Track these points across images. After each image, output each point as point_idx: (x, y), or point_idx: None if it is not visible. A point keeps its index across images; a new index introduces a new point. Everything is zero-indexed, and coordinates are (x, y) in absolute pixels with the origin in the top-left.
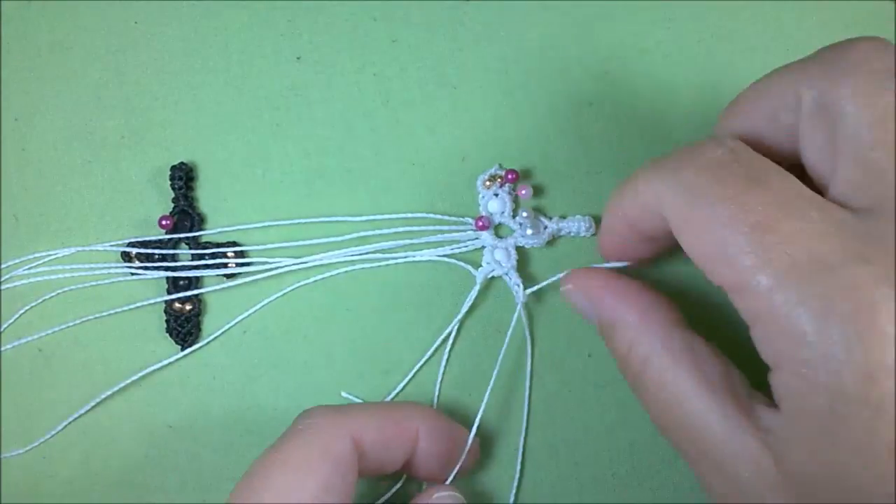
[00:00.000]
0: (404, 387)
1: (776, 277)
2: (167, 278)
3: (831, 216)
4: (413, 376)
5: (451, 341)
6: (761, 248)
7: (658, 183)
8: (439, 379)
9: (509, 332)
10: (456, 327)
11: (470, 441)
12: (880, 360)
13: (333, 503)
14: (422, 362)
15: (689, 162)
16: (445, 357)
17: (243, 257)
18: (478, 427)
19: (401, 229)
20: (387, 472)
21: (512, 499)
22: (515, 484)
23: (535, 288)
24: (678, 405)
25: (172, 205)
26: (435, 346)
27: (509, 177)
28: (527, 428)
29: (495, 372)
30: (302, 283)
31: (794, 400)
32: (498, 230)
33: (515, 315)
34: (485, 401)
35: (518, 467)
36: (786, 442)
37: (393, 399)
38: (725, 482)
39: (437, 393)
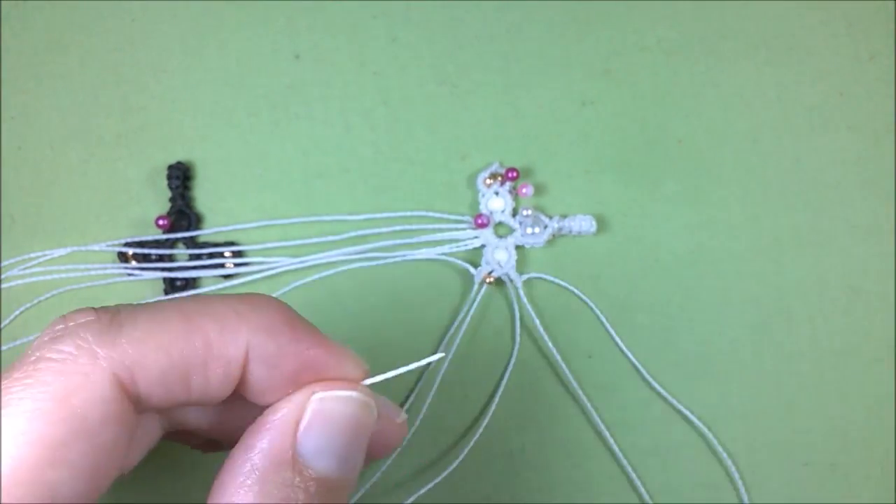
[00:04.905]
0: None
1: None
2: (164, 279)
3: None
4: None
5: (447, 341)
6: None
7: None
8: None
9: (511, 333)
10: (455, 327)
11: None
12: None
13: (70, 478)
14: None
15: None
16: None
17: (241, 257)
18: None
19: (399, 228)
20: (202, 404)
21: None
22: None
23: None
24: None
25: (170, 204)
26: (452, 346)
27: (510, 175)
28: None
29: (504, 373)
30: (300, 282)
31: None
32: (497, 229)
33: (516, 315)
34: (494, 403)
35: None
36: None
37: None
38: None
39: (433, 393)
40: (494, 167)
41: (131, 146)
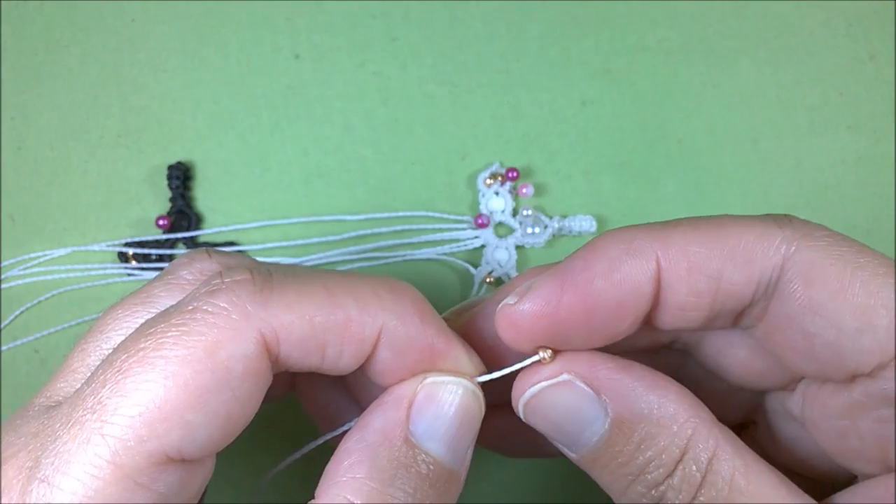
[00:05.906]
0: None
1: None
2: None
3: None
4: None
5: None
6: None
7: (779, 240)
8: None
9: None
10: None
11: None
12: None
13: (206, 423)
14: None
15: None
16: None
17: None
18: None
19: (400, 228)
20: (330, 373)
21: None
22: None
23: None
24: None
25: (170, 204)
26: None
27: (510, 175)
28: None
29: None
30: None
31: None
32: (497, 229)
33: None
34: None
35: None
36: None
37: None
38: None
39: None
40: (494, 167)
41: (131, 146)
